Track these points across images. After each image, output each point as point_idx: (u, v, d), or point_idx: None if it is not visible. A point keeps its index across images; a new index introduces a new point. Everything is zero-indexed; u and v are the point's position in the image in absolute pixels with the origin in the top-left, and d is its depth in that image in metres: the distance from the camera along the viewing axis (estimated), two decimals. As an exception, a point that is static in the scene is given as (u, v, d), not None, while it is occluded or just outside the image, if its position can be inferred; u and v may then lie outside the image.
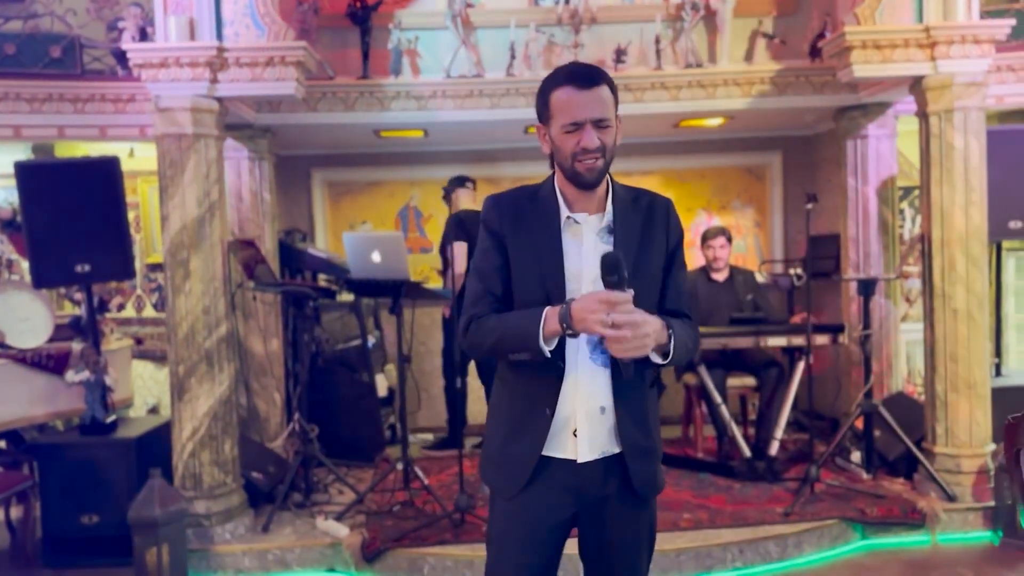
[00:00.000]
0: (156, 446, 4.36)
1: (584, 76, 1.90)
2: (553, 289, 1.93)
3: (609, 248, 1.93)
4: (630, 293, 1.79)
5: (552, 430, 1.96)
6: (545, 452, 1.97)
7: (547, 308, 1.86)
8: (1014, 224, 4.76)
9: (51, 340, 4.69)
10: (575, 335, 1.85)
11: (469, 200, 5.41)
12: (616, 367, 1.92)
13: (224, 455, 4.26)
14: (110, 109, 4.80)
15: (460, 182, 5.49)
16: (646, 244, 1.98)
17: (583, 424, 1.95)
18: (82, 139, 5.06)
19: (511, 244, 1.98)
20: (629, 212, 1.99)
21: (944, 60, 4.29)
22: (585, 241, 1.96)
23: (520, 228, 1.96)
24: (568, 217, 1.96)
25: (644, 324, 1.79)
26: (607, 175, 2.00)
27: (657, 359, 1.91)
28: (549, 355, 1.86)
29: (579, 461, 1.96)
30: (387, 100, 5.03)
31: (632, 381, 1.94)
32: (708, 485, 4.81)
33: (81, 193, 4.29)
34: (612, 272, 1.79)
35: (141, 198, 6.13)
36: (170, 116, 4.14)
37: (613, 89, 1.94)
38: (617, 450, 1.98)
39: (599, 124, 1.89)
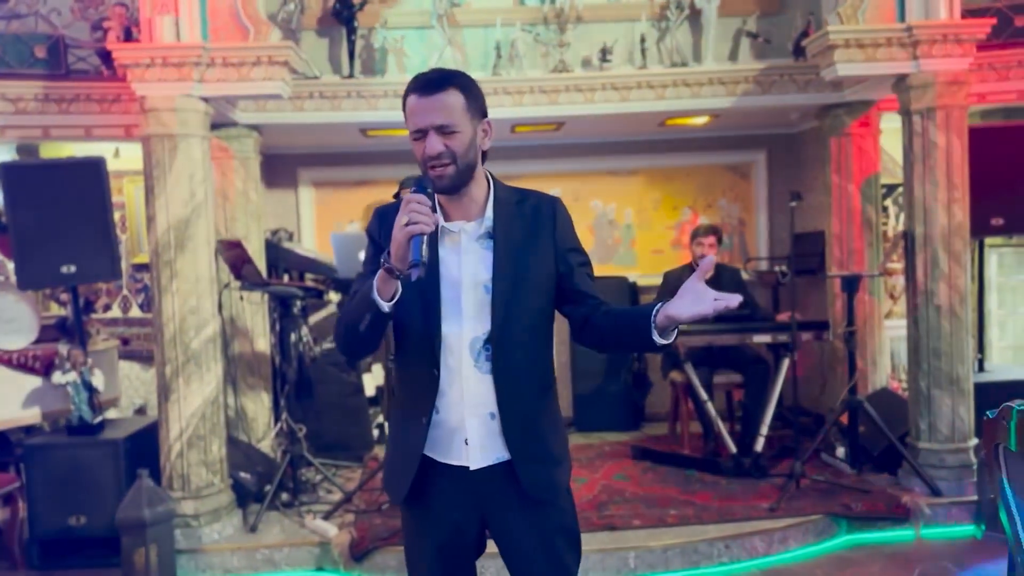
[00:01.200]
0: (144, 447, 4.35)
1: (427, 83, 1.88)
2: (430, 297, 1.93)
3: (490, 253, 1.94)
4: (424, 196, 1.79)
5: (444, 438, 1.96)
6: (441, 459, 1.97)
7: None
8: (996, 221, 4.81)
9: (37, 341, 4.66)
10: (401, 272, 1.77)
11: None
12: (499, 373, 1.93)
13: (212, 455, 4.26)
14: (95, 109, 4.78)
15: (412, 183, 5.50)
16: (530, 246, 1.97)
17: (473, 431, 1.94)
18: (67, 139, 5.05)
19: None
20: (511, 215, 1.98)
21: (926, 59, 4.34)
22: (464, 249, 1.95)
23: None
24: (442, 227, 1.95)
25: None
26: (488, 179, 2.00)
27: (659, 338, 1.86)
28: (385, 308, 1.81)
29: (471, 468, 1.96)
30: (374, 99, 5.03)
31: (518, 387, 1.95)
32: (695, 481, 4.85)
33: (67, 194, 4.27)
34: (413, 184, 1.83)
35: (127, 198, 6.11)
36: (156, 116, 4.13)
37: (468, 91, 1.90)
38: (509, 456, 1.96)
39: (442, 130, 1.86)
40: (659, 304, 1.85)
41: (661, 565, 3.98)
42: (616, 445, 5.74)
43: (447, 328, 1.93)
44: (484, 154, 1.98)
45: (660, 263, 6.32)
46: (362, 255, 4.37)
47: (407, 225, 1.74)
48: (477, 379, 1.93)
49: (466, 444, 1.95)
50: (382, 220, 2.01)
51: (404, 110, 1.92)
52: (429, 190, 1.84)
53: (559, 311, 2.06)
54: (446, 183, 1.89)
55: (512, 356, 1.94)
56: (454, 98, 1.88)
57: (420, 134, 1.88)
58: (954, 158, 4.39)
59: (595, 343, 2.05)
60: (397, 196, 5.59)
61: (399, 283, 1.81)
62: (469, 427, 1.95)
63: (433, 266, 1.89)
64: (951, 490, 4.41)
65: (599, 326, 1.99)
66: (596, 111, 5.11)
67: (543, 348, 2.03)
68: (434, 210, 1.81)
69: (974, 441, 4.47)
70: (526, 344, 1.97)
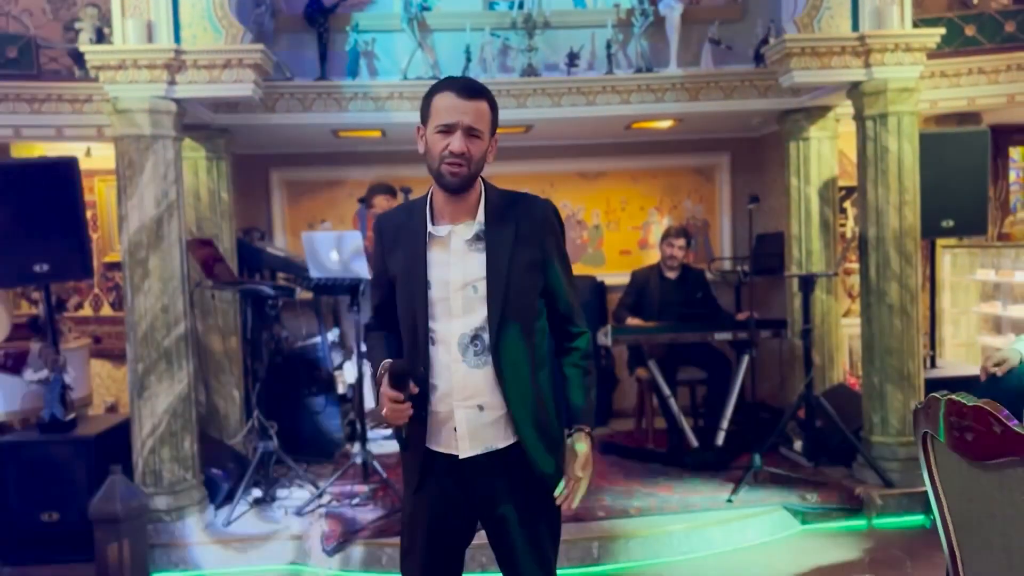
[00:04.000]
0: (116, 444, 4.39)
1: (467, 88, 2.04)
2: (419, 298, 2.07)
3: (482, 255, 2.06)
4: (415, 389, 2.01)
5: (436, 428, 2.10)
6: (436, 448, 2.12)
7: (385, 361, 2.06)
8: (946, 223, 5.00)
9: (8, 339, 4.70)
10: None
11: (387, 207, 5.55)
12: (495, 367, 2.06)
13: (184, 451, 4.32)
14: (67, 109, 4.80)
15: (382, 190, 5.61)
16: (521, 249, 2.07)
17: (461, 422, 2.08)
18: (39, 139, 5.07)
19: (389, 258, 2.14)
20: (501, 218, 2.09)
21: (878, 67, 4.49)
22: (452, 251, 2.07)
23: (396, 243, 2.11)
24: (430, 233, 2.08)
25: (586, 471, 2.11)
26: (481, 183, 2.12)
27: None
28: None
29: (461, 456, 2.09)
30: (344, 101, 5.11)
31: (511, 378, 2.07)
32: (658, 474, 4.98)
33: (39, 193, 4.30)
34: (395, 380, 1.98)
35: (98, 197, 6.14)
36: (128, 117, 4.19)
37: (494, 109, 2.07)
38: (502, 444, 2.10)
39: (470, 132, 2.00)
40: (574, 430, 2.15)
41: (623, 555, 4.10)
42: (583, 441, 5.84)
43: (437, 326, 2.07)
44: (483, 164, 2.12)
45: (628, 263, 6.46)
46: (334, 255, 4.47)
47: (387, 417, 2.01)
48: (465, 373, 2.07)
49: (455, 433, 2.08)
50: (381, 227, 2.20)
51: (431, 103, 2.04)
52: (406, 373, 1.99)
53: None
54: (456, 182, 2.02)
55: (505, 350, 2.06)
56: (485, 108, 2.04)
57: (447, 129, 2.00)
58: (905, 162, 4.56)
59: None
60: (363, 201, 5.67)
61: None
62: (458, 418, 2.08)
63: (421, 268, 2.07)
64: (903, 481, 4.57)
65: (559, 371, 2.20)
66: (564, 115, 5.24)
67: (535, 341, 2.14)
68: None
69: (924, 434, 4.63)
70: (517, 339, 2.08)
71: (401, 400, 1.98)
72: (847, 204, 6.39)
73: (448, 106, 2.01)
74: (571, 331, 2.21)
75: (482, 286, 2.05)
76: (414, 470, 2.15)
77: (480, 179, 2.13)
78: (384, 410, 2.00)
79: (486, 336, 2.06)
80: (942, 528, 2.07)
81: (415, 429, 2.11)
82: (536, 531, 2.14)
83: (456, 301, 2.06)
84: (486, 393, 2.07)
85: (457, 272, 2.06)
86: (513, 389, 2.07)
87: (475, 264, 2.06)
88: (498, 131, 2.11)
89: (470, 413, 2.08)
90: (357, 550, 4.12)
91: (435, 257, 2.07)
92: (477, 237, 2.08)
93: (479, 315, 2.06)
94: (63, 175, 4.38)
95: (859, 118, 4.68)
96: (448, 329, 2.06)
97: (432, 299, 2.07)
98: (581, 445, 2.12)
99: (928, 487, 2.10)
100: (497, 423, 2.09)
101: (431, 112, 2.04)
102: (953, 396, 1.92)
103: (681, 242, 5.60)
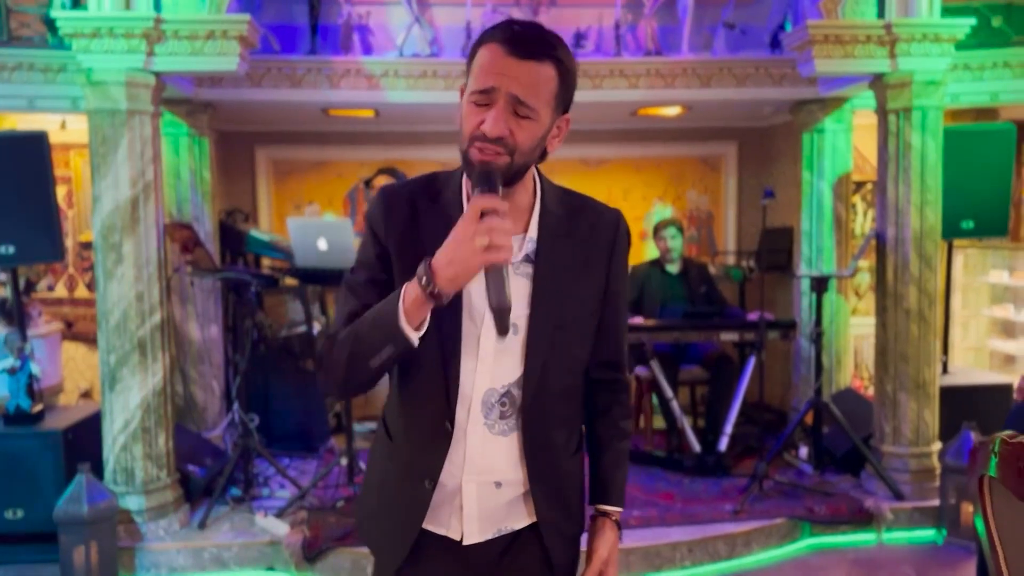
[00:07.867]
0: (86, 437, 4.14)
1: (521, 40, 1.39)
2: (450, 332, 1.50)
3: (526, 281, 1.51)
4: (501, 199, 1.36)
5: (436, 503, 1.57)
6: (427, 526, 1.59)
7: (408, 283, 1.40)
8: (966, 224, 4.78)
9: (-28, 324, 4.43)
10: (443, 298, 1.37)
11: None
12: (530, 437, 1.55)
13: (158, 449, 4.07)
14: (39, 79, 4.49)
15: (389, 172, 5.33)
16: (580, 279, 1.56)
17: (471, 501, 1.56)
18: (9, 110, 4.77)
19: (397, 259, 1.52)
20: (560, 234, 1.54)
21: (904, 57, 4.24)
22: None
23: (411, 238, 1.50)
24: None
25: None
26: (536, 180, 1.57)
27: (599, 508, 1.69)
28: (416, 342, 1.41)
29: (465, 543, 1.59)
30: (336, 77, 4.82)
31: (550, 452, 1.59)
32: (658, 479, 4.78)
33: (5, 170, 4.02)
34: (485, 182, 1.38)
35: (74, 172, 5.83)
36: (102, 90, 3.90)
37: (565, 74, 1.44)
38: (518, 526, 1.61)
39: (517, 108, 1.39)
40: (601, 510, 1.68)
41: (623, 568, 3.88)
42: (578, 439, 5.63)
43: (461, 373, 1.53)
44: (544, 154, 1.53)
45: (629, 256, 6.21)
46: (321, 244, 4.20)
47: (485, 249, 1.32)
48: (484, 439, 1.54)
49: (461, 512, 1.57)
50: (389, 210, 1.55)
51: (471, 60, 1.45)
52: (499, 191, 1.38)
53: None
54: (490, 171, 1.41)
55: (545, 416, 1.57)
56: (548, 73, 1.42)
57: (486, 97, 1.40)
58: (928, 160, 4.32)
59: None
60: (367, 182, 5.38)
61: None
62: (467, 494, 1.56)
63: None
64: (914, 494, 4.38)
65: (586, 433, 1.72)
66: (567, 98, 4.95)
67: (578, 404, 1.67)
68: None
69: (938, 445, 4.44)
70: (561, 402, 1.59)
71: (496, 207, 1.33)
72: (855, 199, 6.16)
73: (492, 64, 1.39)
74: (617, 382, 1.71)
75: (523, 326, 1.51)
76: (394, 550, 1.61)
77: (535, 173, 1.56)
78: (481, 237, 1.30)
79: (518, 394, 1.53)
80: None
81: (409, 500, 1.58)
82: None
83: (487, 343, 1.51)
84: (509, 467, 1.57)
85: None
86: (542, 464, 1.58)
87: (520, 295, 1.49)
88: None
89: (484, 490, 1.57)
90: (340, 557, 3.90)
91: None
92: (526, 258, 1.52)
93: (513, 365, 1.52)
94: (31, 151, 4.08)
95: (881, 111, 4.43)
96: (472, 380, 1.52)
97: (463, 332, 1.51)
98: (609, 535, 1.65)
99: (983, 535, 1.91)
100: (515, 502, 1.59)
101: (471, 71, 1.44)
102: (1021, 438, 1.72)
103: (670, 232, 5.33)
